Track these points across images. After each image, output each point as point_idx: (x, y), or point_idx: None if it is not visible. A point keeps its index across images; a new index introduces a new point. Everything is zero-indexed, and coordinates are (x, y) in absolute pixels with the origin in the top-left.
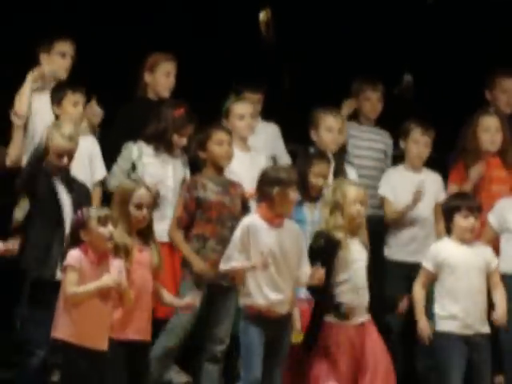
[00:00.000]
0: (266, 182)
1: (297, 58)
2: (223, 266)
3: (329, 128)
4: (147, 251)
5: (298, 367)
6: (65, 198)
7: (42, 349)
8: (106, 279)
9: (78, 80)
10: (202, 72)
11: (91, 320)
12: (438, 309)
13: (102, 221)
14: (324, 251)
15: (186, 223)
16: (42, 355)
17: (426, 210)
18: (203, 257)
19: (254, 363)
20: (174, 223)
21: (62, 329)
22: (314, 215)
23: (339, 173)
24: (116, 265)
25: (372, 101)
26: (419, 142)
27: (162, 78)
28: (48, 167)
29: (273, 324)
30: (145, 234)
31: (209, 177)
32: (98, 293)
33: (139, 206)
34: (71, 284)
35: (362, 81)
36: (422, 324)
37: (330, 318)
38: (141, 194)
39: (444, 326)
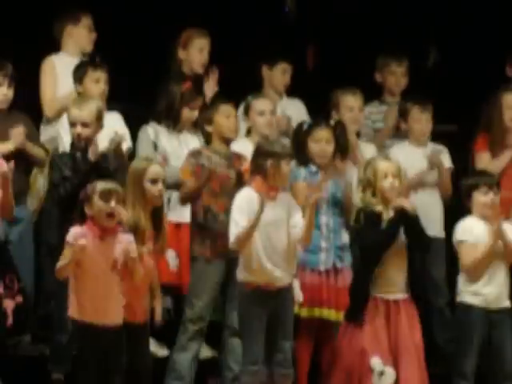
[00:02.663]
0: (260, 155)
1: (321, 35)
2: (231, 240)
3: (350, 108)
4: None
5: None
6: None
7: (67, 324)
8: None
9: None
10: (225, 50)
11: (96, 296)
12: (462, 281)
13: (105, 195)
14: (370, 229)
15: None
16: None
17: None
18: (216, 233)
19: (255, 345)
20: (182, 192)
21: (71, 307)
22: (328, 182)
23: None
24: (124, 239)
25: (397, 75)
26: (421, 120)
27: (195, 54)
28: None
29: (273, 297)
30: (156, 217)
31: (214, 150)
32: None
33: (154, 181)
34: (60, 260)
35: (387, 55)
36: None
37: (373, 292)
38: (155, 168)
39: (467, 298)
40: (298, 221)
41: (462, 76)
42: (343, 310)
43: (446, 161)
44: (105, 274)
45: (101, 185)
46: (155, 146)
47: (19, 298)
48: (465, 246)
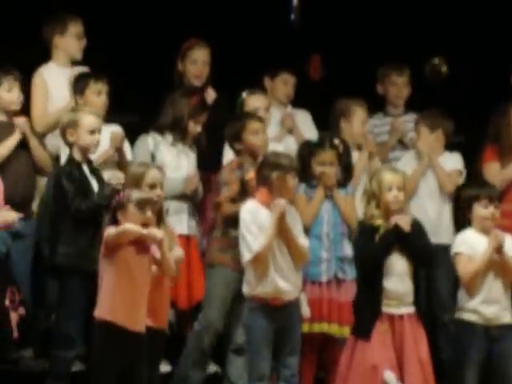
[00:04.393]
0: (266, 166)
1: (326, 45)
2: (250, 254)
3: (363, 121)
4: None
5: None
6: (95, 187)
7: (78, 342)
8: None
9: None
10: (230, 59)
11: (130, 300)
12: (460, 298)
13: (141, 205)
14: (366, 243)
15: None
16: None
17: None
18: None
19: (261, 361)
20: (225, 203)
21: (101, 307)
22: (331, 202)
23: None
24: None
25: (398, 86)
26: (430, 143)
27: (189, 65)
28: (77, 157)
29: (280, 312)
30: (157, 218)
31: (249, 162)
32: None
33: (153, 186)
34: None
35: (388, 66)
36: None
37: (380, 307)
38: (153, 173)
39: (465, 315)
40: (299, 232)
41: (468, 87)
42: (347, 324)
43: (457, 163)
44: (140, 279)
45: (137, 194)
46: (153, 157)
47: (22, 310)
48: (460, 258)
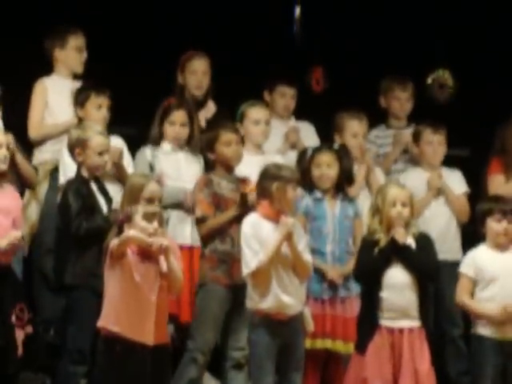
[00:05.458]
0: (266, 178)
1: (328, 57)
2: (248, 270)
3: (354, 134)
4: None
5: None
6: (103, 205)
7: (87, 358)
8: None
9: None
10: (232, 72)
11: (135, 310)
12: None
13: (149, 217)
14: (365, 256)
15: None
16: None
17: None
18: (233, 257)
19: (265, 375)
20: (199, 224)
21: (105, 318)
22: (335, 209)
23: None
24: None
25: (401, 100)
26: (433, 142)
27: (189, 77)
28: (85, 174)
29: (284, 326)
30: None
31: (220, 175)
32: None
33: (151, 201)
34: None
35: (391, 79)
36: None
37: (378, 320)
38: (151, 188)
39: (480, 330)
40: (304, 248)
41: (474, 99)
42: (352, 341)
43: (461, 185)
44: (146, 289)
45: (143, 208)
46: (151, 167)
47: (29, 329)
48: (462, 279)
